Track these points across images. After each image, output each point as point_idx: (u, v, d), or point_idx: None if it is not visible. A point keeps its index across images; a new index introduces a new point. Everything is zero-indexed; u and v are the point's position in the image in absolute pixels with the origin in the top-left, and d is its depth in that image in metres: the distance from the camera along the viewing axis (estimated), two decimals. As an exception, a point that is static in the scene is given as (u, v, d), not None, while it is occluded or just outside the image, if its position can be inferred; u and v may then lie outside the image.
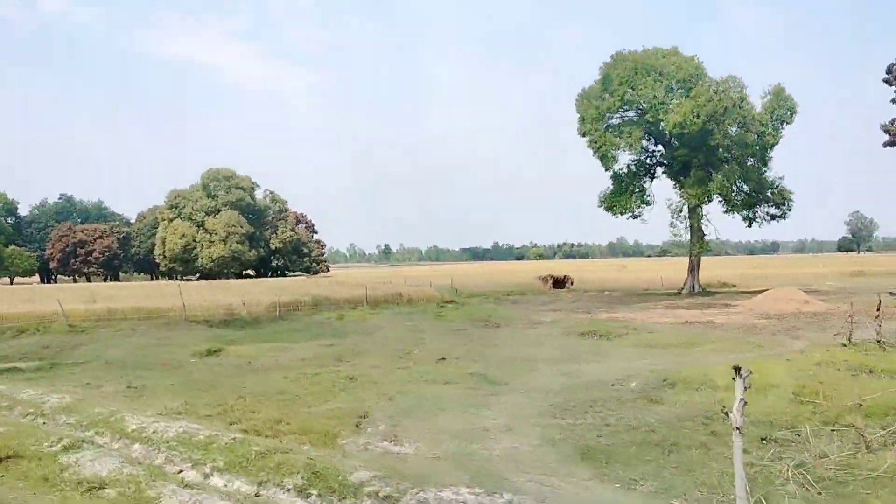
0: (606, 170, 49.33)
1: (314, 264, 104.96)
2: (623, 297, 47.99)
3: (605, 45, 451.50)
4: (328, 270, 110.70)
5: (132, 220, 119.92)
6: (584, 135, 49.26)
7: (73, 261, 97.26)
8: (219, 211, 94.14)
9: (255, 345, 24.12)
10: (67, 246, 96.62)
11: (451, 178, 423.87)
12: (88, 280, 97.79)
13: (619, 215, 49.36)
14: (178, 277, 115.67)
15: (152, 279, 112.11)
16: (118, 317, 32.90)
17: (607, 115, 47.92)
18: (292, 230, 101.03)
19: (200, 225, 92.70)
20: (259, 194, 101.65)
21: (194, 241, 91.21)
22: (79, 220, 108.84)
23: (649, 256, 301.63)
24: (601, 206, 50.12)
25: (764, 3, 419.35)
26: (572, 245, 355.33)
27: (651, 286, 58.98)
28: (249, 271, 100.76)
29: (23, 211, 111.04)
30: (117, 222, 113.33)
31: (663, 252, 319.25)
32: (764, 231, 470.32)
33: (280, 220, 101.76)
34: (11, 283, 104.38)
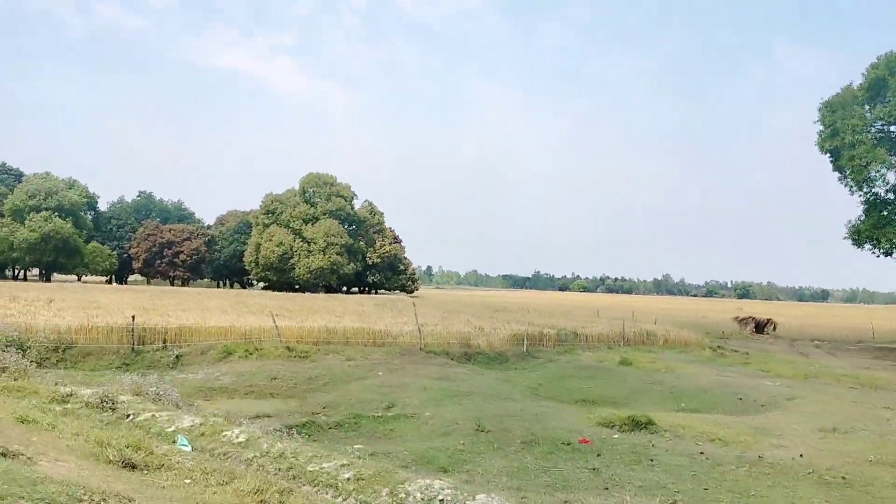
0: (860, 193, 40.41)
1: (409, 282, 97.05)
2: (875, 352, 38.75)
3: (641, 76, 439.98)
4: (418, 290, 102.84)
5: (205, 223, 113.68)
6: (830, 151, 40.58)
7: (158, 262, 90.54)
8: (317, 219, 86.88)
9: (680, 414, 15.67)
10: (154, 246, 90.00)
11: (489, 202, 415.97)
12: (172, 283, 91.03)
13: (876, 250, 40.29)
14: (239, 285, 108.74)
15: (218, 286, 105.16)
16: (338, 339, 24.84)
17: (873, 127, 39.19)
18: (391, 244, 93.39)
19: (298, 233, 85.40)
20: (357, 204, 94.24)
21: (291, 249, 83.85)
22: (158, 220, 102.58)
23: (695, 296, 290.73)
24: (851, 237, 41.11)
25: (813, 43, 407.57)
26: (615, 279, 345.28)
27: (859, 335, 49.58)
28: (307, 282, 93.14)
29: (101, 206, 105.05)
30: (198, 224, 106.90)
31: (709, 292, 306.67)
32: (812, 278, 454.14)
33: (377, 232, 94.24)
34: (79, 280, 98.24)
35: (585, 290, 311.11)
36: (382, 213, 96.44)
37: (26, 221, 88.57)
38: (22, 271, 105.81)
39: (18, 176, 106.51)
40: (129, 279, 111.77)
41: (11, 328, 20.57)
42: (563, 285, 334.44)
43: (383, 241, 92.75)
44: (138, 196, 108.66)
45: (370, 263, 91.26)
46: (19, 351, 20.43)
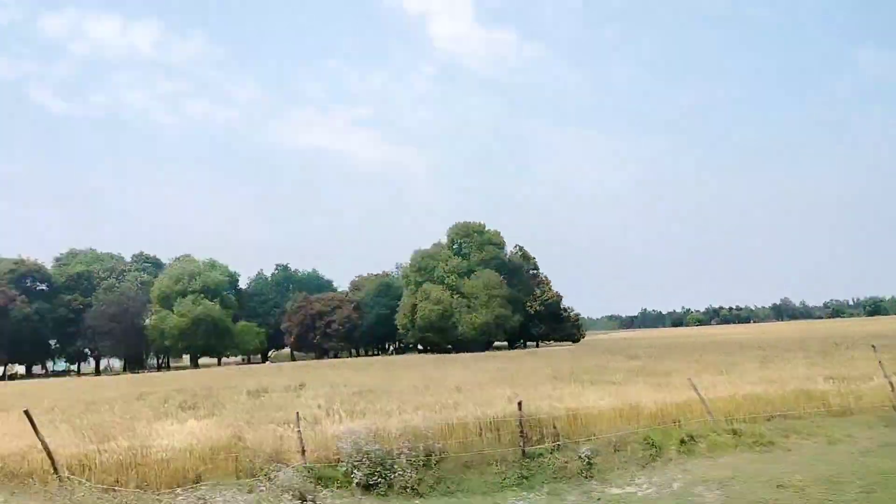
0: None
1: (574, 330, 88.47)
2: None
3: (723, 106, 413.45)
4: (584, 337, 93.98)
5: (341, 290, 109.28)
6: None
7: (311, 334, 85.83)
8: (472, 271, 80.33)
9: None
10: (306, 318, 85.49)
11: (579, 243, 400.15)
12: (326, 356, 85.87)
13: None
14: (379, 351, 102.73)
15: (356, 353, 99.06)
16: (766, 411, 16.86)
17: None
18: (550, 290, 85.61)
19: (454, 288, 78.97)
20: (507, 251, 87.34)
21: (451, 306, 77.33)
22: (302, 292, 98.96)
23: (820, 318, 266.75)
24: None
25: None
26: (729, 308, 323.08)
27: None
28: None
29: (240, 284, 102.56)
30: (339, 292, 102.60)
31: (836, 312, 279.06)
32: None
33: (531, 279, 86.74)
34: (219, 363, 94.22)
35: (700, 323, 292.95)
36: (535, 259, 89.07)
37: (174, 307, 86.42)
38: (165, 359, 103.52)
39: (156, 264, 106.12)
40: (270, 356, 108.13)
41: (367, 437, 13.73)
42: (677, 320, 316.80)
43: (542, 287, 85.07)
44: (276, 270, 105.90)
45: (532, 313, 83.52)
46: (385, 473, 13.54)
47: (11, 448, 13.99)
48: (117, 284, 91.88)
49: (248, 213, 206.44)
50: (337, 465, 13.53)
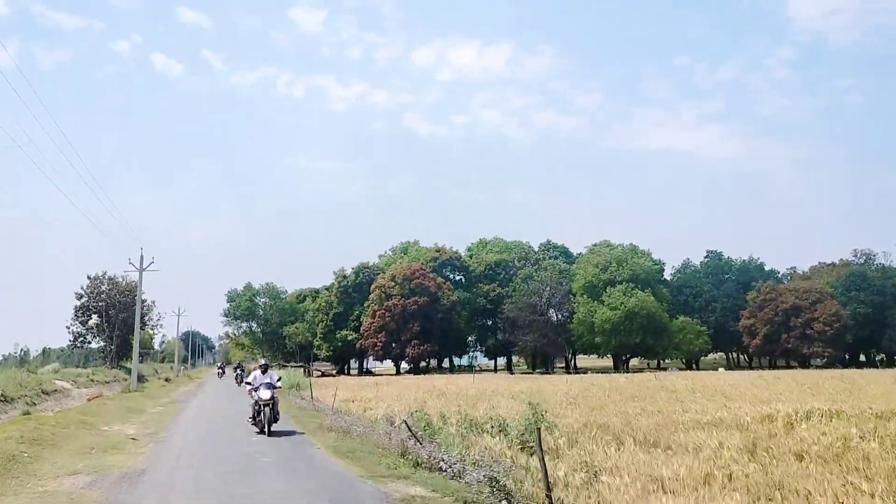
0: None
1: None
2: None
3: None
4: None
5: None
6: None
7: (785, 335, 66.67)
8: None
9: None
10: (776, 315, 66.70)
11: None
12: (806, 364, 66.09)
13: None
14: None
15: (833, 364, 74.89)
16: None
17: None
18: None
19: None
20: None
21: None
22: (733, 282, 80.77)
23: None
24: None
25: None
26: None
27: None
28: None
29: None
30: (778, 280, 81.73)
31: None
32: None
33: None
34: (625, 368, 79.45)
35: None
36: None
37: (604, 297, 75.02)
38: (572, 359, 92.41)
39: (564, 252, 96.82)
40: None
41: None
42: None
43: None
44: (706, 257, 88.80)
45: None
46: None
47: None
48: (534, 274, 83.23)
49: (592, 211, 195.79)
50: None
